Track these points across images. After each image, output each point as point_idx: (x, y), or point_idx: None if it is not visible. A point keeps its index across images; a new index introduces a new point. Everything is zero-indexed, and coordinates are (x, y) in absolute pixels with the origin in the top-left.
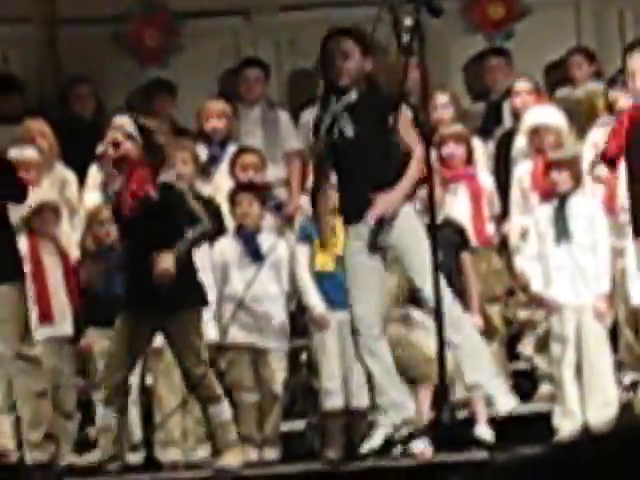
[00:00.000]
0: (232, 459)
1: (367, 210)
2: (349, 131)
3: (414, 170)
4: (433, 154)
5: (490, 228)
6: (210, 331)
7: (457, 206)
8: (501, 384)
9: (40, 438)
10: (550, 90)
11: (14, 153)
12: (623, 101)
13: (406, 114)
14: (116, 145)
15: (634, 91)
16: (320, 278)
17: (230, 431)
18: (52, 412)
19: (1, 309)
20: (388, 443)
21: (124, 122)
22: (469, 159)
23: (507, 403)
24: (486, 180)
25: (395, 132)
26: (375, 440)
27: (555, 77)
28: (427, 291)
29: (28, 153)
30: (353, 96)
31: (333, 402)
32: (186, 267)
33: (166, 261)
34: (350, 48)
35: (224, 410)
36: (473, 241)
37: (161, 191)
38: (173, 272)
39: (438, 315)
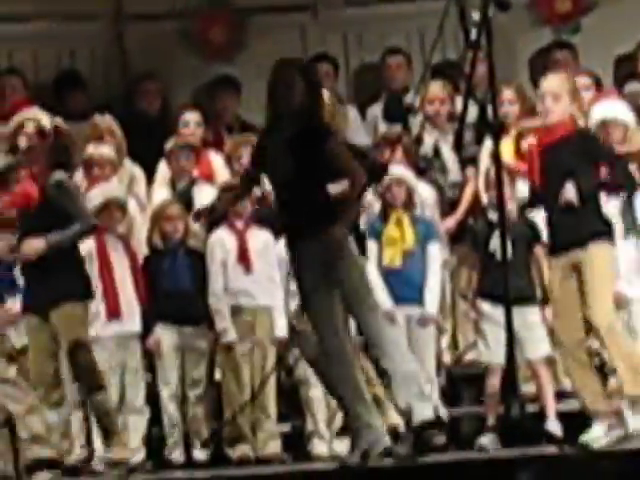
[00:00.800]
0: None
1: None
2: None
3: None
4: (505, 148)
5: None
6: (280, 327)
7: None
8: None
9: None
10: (619, 84)
11: (89, 150)
12: None
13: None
14: (28, 136)
15: None
16: (387, 274)
17: (113, 421)
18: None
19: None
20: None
21: (41, 117)
22: None
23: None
24: None
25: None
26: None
27: (624, 71)
28: None
29: (104, 150)
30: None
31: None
32: (69, 260)
33: (27, 247)
34: (296, 80)
35: (108, 399)
36: None
37: (48, 189)
38: (33, 258)
39: (508, 311)
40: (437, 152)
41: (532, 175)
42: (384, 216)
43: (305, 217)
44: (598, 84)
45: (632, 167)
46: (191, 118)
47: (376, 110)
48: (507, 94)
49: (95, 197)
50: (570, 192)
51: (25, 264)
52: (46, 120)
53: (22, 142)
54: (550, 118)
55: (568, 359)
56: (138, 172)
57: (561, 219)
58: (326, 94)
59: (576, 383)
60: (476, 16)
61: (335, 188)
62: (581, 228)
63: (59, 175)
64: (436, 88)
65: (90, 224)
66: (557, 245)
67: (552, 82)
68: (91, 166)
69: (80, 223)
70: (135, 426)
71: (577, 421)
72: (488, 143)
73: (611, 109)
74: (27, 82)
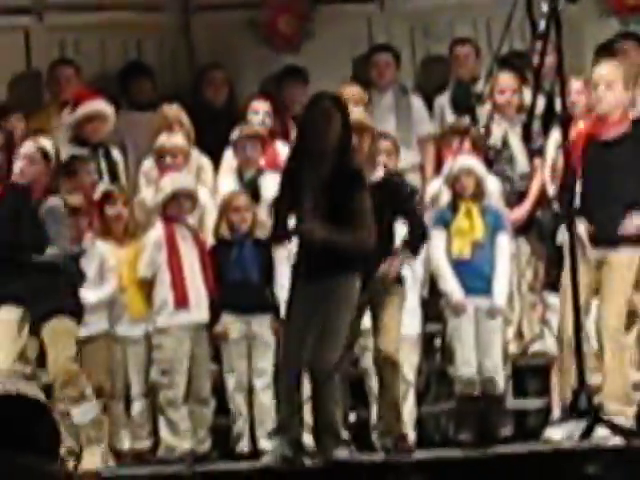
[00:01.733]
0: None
1: None
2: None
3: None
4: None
5: None
6: None
7: None
8: None
9: None
10: None
11: (162, 139)
12: None
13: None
14: None
15: None
16: (456, 264)
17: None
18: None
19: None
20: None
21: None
22: None
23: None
24: None
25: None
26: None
27: None
28: None
29: (177, 139)
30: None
31: (468, 387)
32: None
33: None
34: (333, 113)
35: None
36: None
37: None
38: None
39: (576, 301)
40: (505, 143)
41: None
42: (453, 206)
43: (320, 258)
44: None
45: None
46: (261, 107)
47: (443, 100)
48: (575, 85)
49: (165, 186)
50: (633, 227)
51: None
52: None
53: None
54: (601, 106)
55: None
56: (205, 162)
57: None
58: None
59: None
60: (545, 7)
61: None
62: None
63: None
64: (507, 78)
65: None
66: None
67: (605, 69)
68: (163, 155)
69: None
70: (201, 416)
71: None
72: (556, 134)
73: None
74: (81, 72)
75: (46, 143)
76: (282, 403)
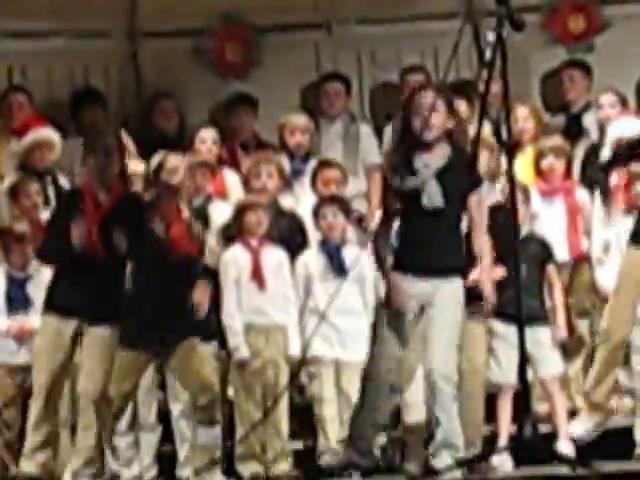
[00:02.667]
0: None
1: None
2: (437, 200)
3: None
4: (523, 167)
5: (585, 242)
6: (293, 345)
7: (553, 219)
8: None
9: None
10: None
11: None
12: None
13: (482, 195)
14: None
15: None
16: None
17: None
18: None
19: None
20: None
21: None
22: (568, 173)
23: None
24: (583, 194)
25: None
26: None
27: None
28: None
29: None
30: (440, 161)
31: (414, 416)
32: None
33: None
34: (438, 104)
35: None
36: (566, 254)
37: None
38: None
39: (521, 330)
40: None
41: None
42: None
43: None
44: (623, 102)
45: None
46: (207, 135)
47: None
48: (522, 112)
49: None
50: None
51: None
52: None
53: None
54: None
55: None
56: None
57: None
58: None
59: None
60: (490, 36)
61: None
62: None
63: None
64: (461, 107)
65: None
66: None
67: None
68: None
69: None
70: (147, 443)
71: (590, 442)
72: (502, 162)
73: (626, 127)
74: (33, 99)
75: None
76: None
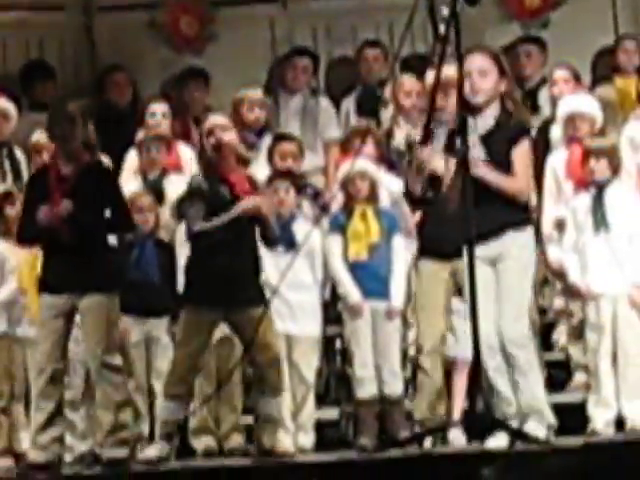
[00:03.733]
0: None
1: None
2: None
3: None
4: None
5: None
6: None
7: None
8: None
9: (115, 443)
10: (598, 78)
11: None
12: None
13: (526, 148)
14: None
15: None
16: (354, 267)
17: None
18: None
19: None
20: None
21: None
22: None
23: None
24: None
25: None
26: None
27: (604, 64)
28: None
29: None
30: (489, 122)
31: (367, 390)
32: None
33: None
34: (488, 67)
35: None
36: None
37: None
38: None
39: (473, 306)
40: (409, 146)
41: None
42: (347, 210)
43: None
44: (577, 78)
45: (603, 163)
46: (158, 109)
47: (349, 103)
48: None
49: None
50: None
51: None
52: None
53: None
54: None
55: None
56: (107, 163)
57: None
58: None
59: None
60: (445, 11)
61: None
62: None
63: None
64: (411, 81)
65: None
66: None
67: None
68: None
69: None
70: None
71: None
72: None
73: (577, 102)
74: None
75: None
76: None
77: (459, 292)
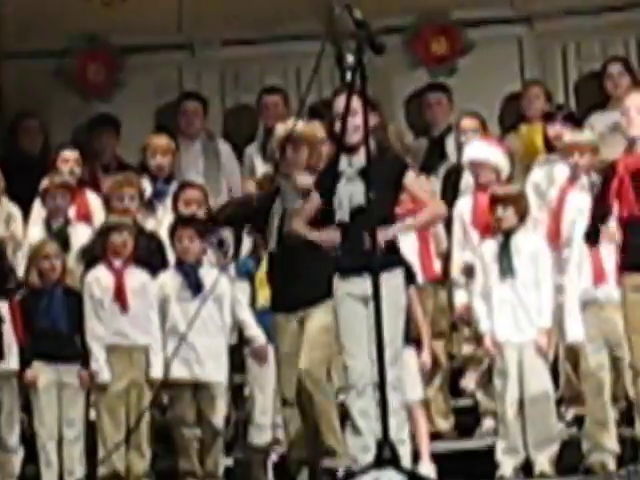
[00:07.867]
0: None
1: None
2: (359, 197)
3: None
4: None
5: (437, 264)
6: (155, 367)
7: (405, 242)
8: None
9: None
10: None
11: None
12: (568, 137)
13: (413, 175)
14: None
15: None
16: (261, 314)
17: None
18: None
19: None
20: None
21: None
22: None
23: None
24: None
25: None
26: None
27: (511, 111)
28: None
29: None
30: (362, 159)
31: (264, 437)
32: None
33: None
34: (356, 105)
35: None
36: (420, 277)
37: None
38: None
39: (379, 348)
40: None
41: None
42: (257, 256)
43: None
44: (484, 126)
45: (510, 210)
46: (70, 156)
47: (252, 150)
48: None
49: None
50: None
51: None
52: None
53: None
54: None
55: None
56: (15, 210)
57: None
58: None
59: None
60: (351, 59)
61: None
62: None
63: None
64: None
65: None
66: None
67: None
68: None
69: None
70: (8, 465)
71: (450, 462)
72: None
73: (479, 150)
74: None
75: None
76: None
77: None
